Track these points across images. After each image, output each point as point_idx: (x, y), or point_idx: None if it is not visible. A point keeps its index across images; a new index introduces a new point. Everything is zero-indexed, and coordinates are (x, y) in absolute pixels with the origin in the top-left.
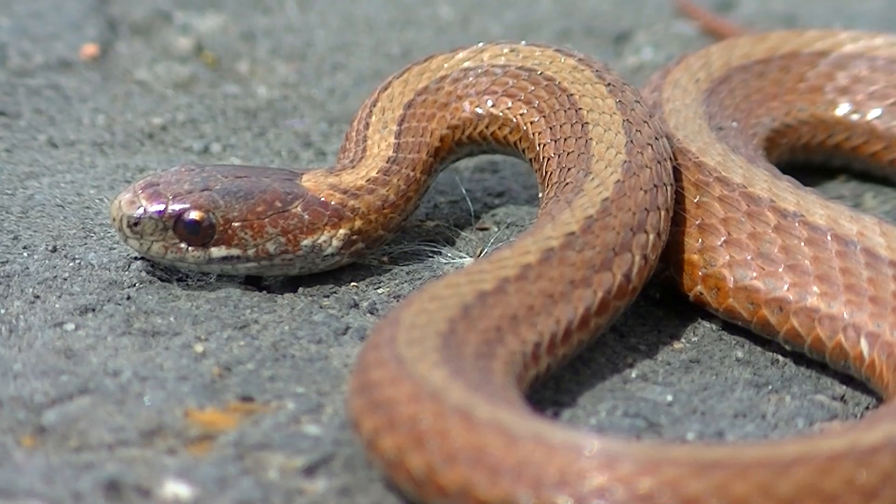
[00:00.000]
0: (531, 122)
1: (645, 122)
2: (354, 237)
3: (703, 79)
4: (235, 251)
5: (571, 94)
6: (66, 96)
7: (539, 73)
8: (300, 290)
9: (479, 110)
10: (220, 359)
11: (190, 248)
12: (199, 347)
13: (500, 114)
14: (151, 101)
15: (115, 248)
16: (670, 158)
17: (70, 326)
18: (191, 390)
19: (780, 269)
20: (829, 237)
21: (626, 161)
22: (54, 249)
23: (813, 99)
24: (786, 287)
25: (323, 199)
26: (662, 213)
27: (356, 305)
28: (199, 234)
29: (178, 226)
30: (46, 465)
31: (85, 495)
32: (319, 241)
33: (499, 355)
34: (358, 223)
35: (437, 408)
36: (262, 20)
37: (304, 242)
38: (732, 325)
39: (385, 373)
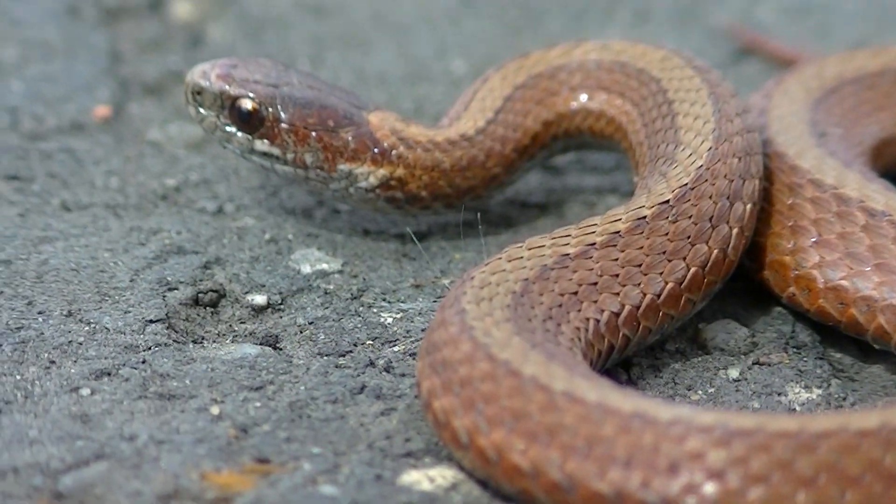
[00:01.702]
0: (625, 113)
1: (733, 96)
2: (393, 183)
3: (815, 88)
4: (276, 150)
5: (660, 80)
6: (79, 159)
7: (631, 65)
8: (316, 350)
9: (574, 105)
10: (236, 421)
11: (238, 133)
12: (214, 409)
13: (597, 107)
14: (164, 162)
15: (129, 312)
16: (758, 131)
17: (86, 391)
18: (207, 453)
19: (868, 268)
20: None
21: (715, 129)
22: (69, 314)
23: None
24: (873, 285)
25: (377, 136)
26: (756, 181)
27: (372, 364)
28: (248, 122)
29: (233, 108)
30: None
31: None
32: (356, 172)
33: (570, 320)
34: (400, 171)
35: (490, 367)
36: None
37: (341, 167)
38: (748, 376)
39: (446, 332)
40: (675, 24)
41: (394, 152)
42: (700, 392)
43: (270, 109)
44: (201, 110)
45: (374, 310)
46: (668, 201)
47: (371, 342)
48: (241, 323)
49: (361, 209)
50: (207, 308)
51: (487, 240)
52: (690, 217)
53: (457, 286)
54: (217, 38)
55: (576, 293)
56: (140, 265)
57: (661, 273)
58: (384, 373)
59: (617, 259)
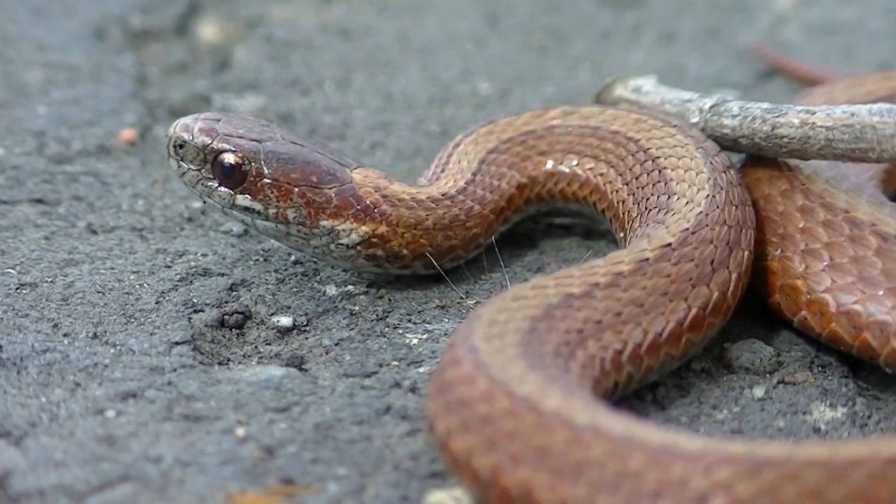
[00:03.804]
0: (600, 175)
1: (718, 151)
2: (374, 240)
3: None
4: (258, 205)
5: (638, 140)
6: (105, 182)
7: (604, 128)
8: (341, 371)
9: (545, 169)
10: (261, 442)
11: (220, 188)
12: (240, 431)
13: (567, 171)
14: None
15: (155, 334)
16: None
17: (111, 413)
18: (233, 474)
19: (881, 292)
20: None
21: (709, 178)
22: (95, 336)
23: None
24: (886, 310)
25: (360, 193)
26: (752, 231)
27: (398, 385)
28: (231, 177)
29: (216, 163)
30: None
31: None
32: (338, 228)
33: (577, 357)
34: (382, 228)
35: (510, 403)
36: (301, 101)
37: (324, 223)
38: (773, 395)
39: (459, 371)
40: (701, 45)
41: (377, 209)
42: (725, 411)
43: (254, 164)
44: (183, 164)
45: (400, 331)
46: (670, 244)
47: (397, 363)
48: (267, 344)
49: (340, 267)
50: (233, 330)
51: (512, 261)
52: (692, 260)
53: (464, 326)
54: (243, 60)
55: (581, 331)
56: (166, 287)
57: (664, 313)
58: (410, 393)
59: (620, 299)
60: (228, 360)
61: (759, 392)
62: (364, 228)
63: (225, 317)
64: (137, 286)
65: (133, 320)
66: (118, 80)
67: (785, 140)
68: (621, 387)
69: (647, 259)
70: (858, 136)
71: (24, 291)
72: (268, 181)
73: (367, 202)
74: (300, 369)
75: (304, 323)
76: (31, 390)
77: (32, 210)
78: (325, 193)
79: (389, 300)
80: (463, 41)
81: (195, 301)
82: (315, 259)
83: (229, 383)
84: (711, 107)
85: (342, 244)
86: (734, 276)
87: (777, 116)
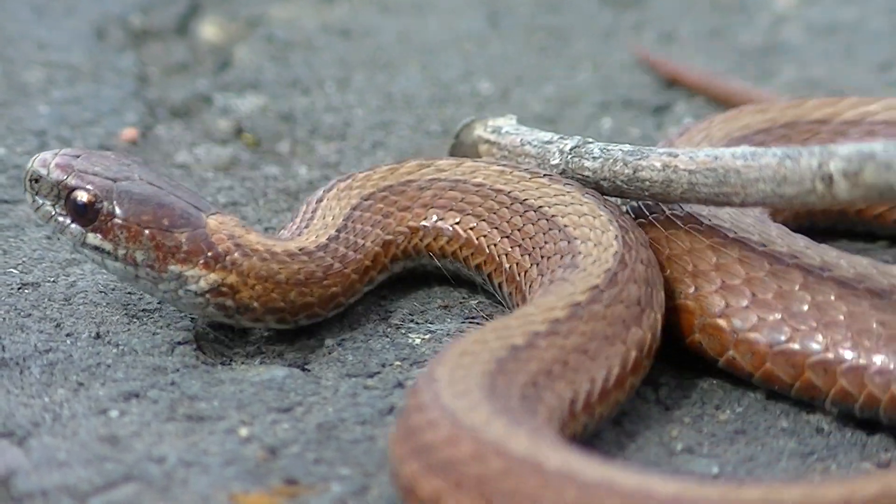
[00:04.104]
0: (471, 229)
1: (606, 198)
2: (224, 289)
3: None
4: (108, 245)
5: (510, 192)
6: None
7: (467, 181)
8: (344, 371)
9: (410, 225)
10: (264, 442)
11: (72, 225)
12: (243, 431)
13: (429, 225)
14: (192, 185)
15: (158, 334)
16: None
17: (114, 413)
18: (235, 475)
19: (814, 328)
20: (860, 288)
21: (611, 220)
22: (98, 336)
23: None
24: (823, 347)
25: (213, 239)
26: (658, 271)
27: (401, 385)
28: (83, 214)
29: (69, 200)
30: None
31: None
32: (186, 274)
33: (538, 411)
34: (232, 278)
35: (505, 462)
36: (302, 101)
37: (172, 268)
38: (777, 395)
39: (440, 432)
40: (701, 45)
41: (228, 258)
42: (728, 412)
43: (106, 203)
44: (37, 199)
45: (403, 331)
46: (597, 286)
47: (399, 363)
48: (270, 344)
49: (191, 314)
50: (236, 330)
51: None
52: (622, 301)
53: (422, 382)
54: (244, 60)
55: (535, 383)
56: None
57: (608, 357)
58: None
59: (563, 347)
60: (231, 360)
61: (761, 392)
62: (213, 276)
63: None
64: None
65: (136, 320)
66: (119, 79)
67: (647, 183)
68: (578, 437)
69: (580, 303)
70: (722, 181)
71: (26, 291)
72: (119, 221)
73: (219, 249)
74: (303, 369)
75: (307, 323)
76: (34, 390)
77: None
78: (176, 238)
79: (392, 300)
80: (464, 41)
81: None
82: (166, 304)
83: (232, 383)
84: (572, 148)
85: (190, 290)
86: (658, 315)
87: (639, 159)
